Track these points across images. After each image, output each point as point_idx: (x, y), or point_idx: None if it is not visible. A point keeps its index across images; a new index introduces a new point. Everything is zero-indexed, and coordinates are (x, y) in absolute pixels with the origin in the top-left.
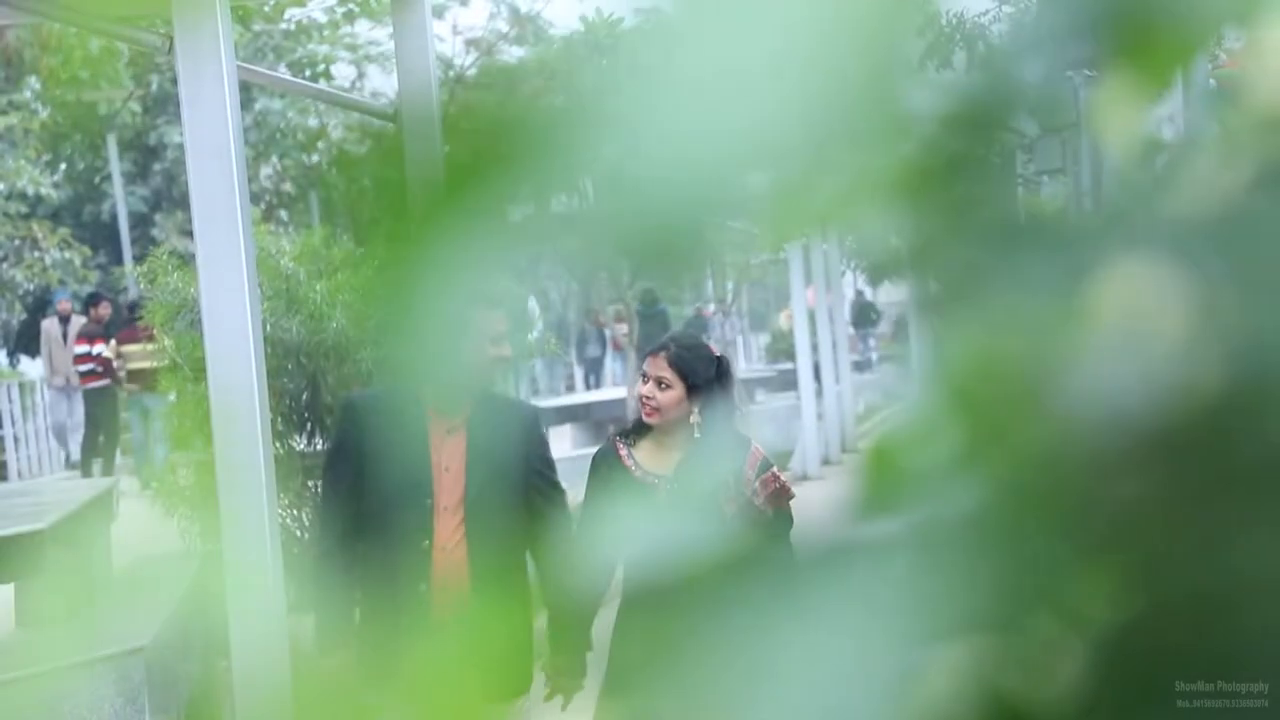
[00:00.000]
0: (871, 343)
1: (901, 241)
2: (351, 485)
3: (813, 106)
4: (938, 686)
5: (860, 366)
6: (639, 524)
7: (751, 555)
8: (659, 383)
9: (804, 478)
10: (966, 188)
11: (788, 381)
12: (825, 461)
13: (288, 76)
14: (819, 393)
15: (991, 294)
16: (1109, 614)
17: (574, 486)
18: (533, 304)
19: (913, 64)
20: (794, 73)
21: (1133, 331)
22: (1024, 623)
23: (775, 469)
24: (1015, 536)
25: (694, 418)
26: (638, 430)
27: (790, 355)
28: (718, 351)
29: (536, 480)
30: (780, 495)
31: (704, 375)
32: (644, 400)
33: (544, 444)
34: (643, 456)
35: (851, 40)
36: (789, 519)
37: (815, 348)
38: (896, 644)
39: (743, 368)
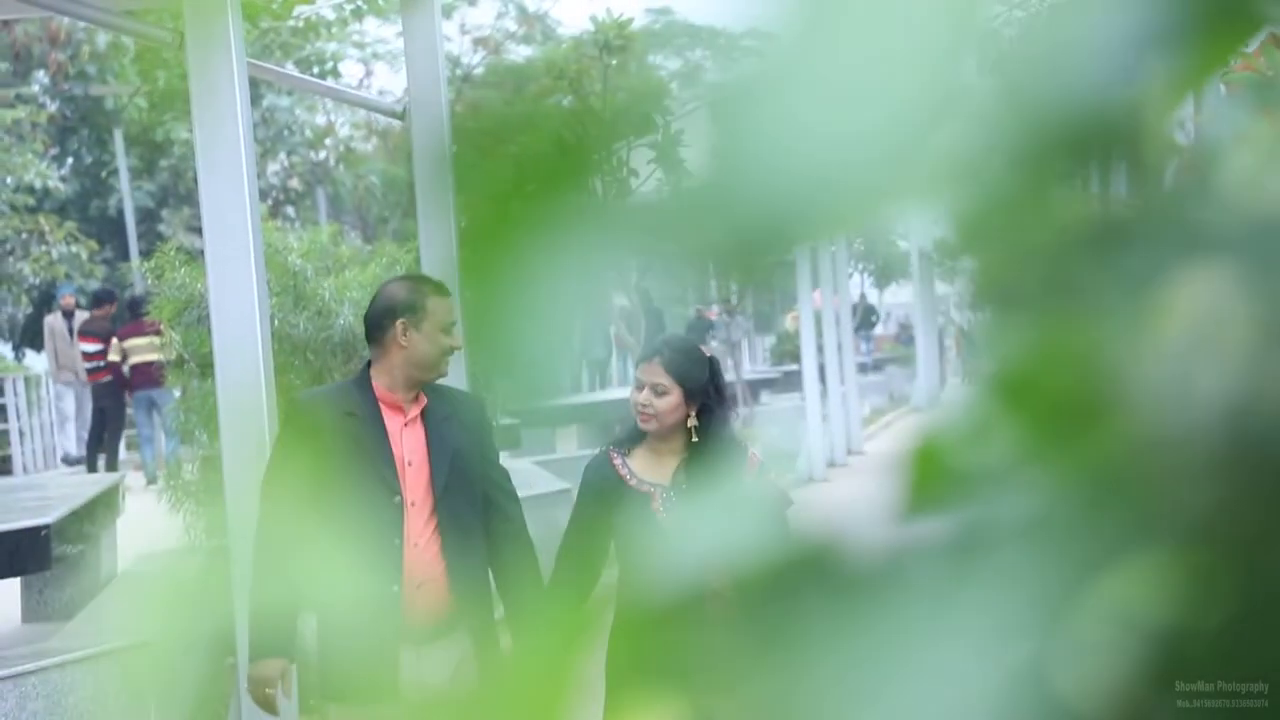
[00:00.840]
0: (871, 345)
1: (967, 240)
2: (303, 489)
3: (917, 106)
4: (1004, 690)
5: (863, 369)
6: (639, 533)
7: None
8: (654, 389)
9: (809, 480)
10: (1044, 189)
11: (792, 383)
12: (830, 464)
13: (296, 73)
14: (824, 395)
15: (1059, 295)
16: (1174, 617)
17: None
18: None
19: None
20: (901, 74)
21: (1201, 335)
22: (1086, 626)
23: (773, 475)
24: (1080, 539)
25: (691, 421)
26: (632, 439)
27: (795, 357)
28: (708, 353)
29: (491, 472)
30: (778, 502)
31: (699, 379)
32: (640, 408)
33: (492, 434)
34: (638, 465)
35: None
36: (786, 530)
37: (821, 349)
38: (965, 649)
39: (747, 369)
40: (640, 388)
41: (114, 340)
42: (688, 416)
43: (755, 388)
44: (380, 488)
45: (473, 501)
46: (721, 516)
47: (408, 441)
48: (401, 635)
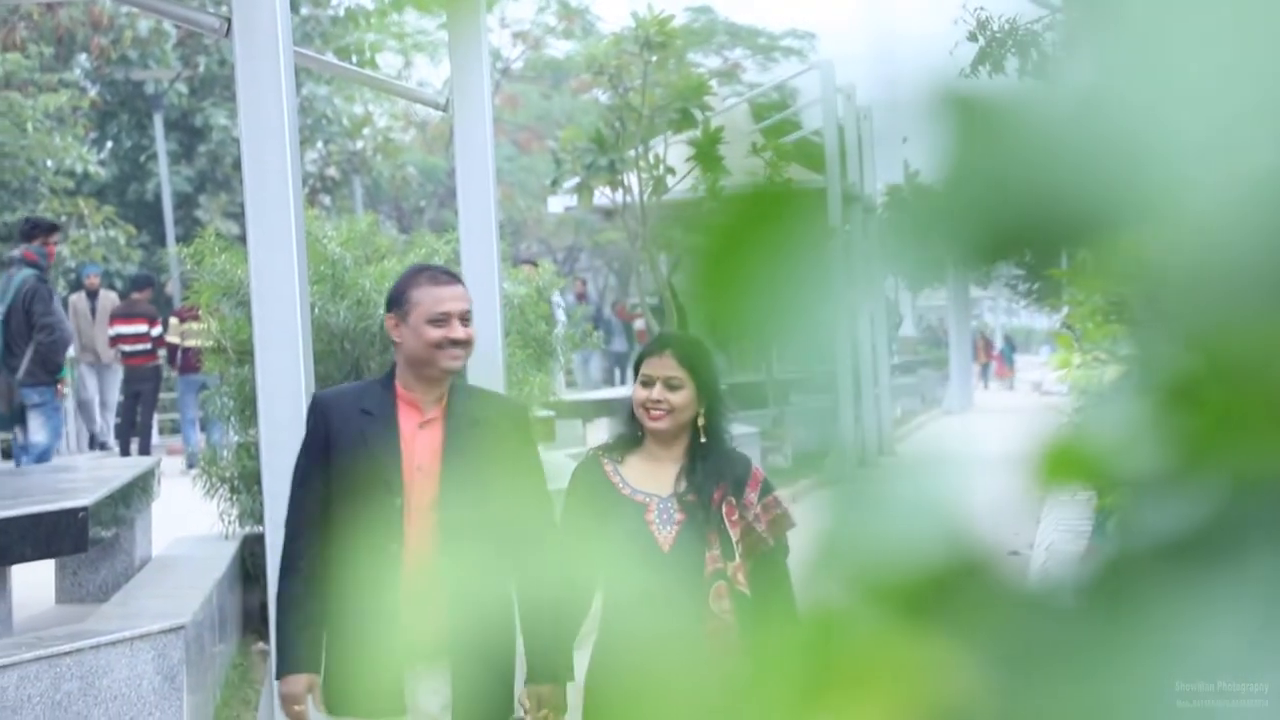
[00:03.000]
0: (896, 347)
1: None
2: (320, 490)
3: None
4: None
5: (895, 370)
6: (630, 548)
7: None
8: (668, 383)
9: (839, 480)
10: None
11: (825, 383)
12: (861, 464)
13: (337, 62)
14: (857, 395)
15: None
16: None
17: None
18: (557, 298)
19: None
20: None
21: None
22: None
23: (778, 493)
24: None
25: (700, 420)
26: (625, 444)
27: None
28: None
29: (524, 485)
30: (782, 523)
31: (712, 373)
32: (651, 406)
33: (533, 446)
34: (630, 474)
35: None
36: (786, 551)
37: (854, 350)
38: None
39: (776, 367)
40: (649, 384)
41: (173, 322)
42: (698, 414)
43: (786, 387)
44: (382, 490)
45: (489, 513)
46: (720, 535)
47: (421, 444)
48: (401, 649)
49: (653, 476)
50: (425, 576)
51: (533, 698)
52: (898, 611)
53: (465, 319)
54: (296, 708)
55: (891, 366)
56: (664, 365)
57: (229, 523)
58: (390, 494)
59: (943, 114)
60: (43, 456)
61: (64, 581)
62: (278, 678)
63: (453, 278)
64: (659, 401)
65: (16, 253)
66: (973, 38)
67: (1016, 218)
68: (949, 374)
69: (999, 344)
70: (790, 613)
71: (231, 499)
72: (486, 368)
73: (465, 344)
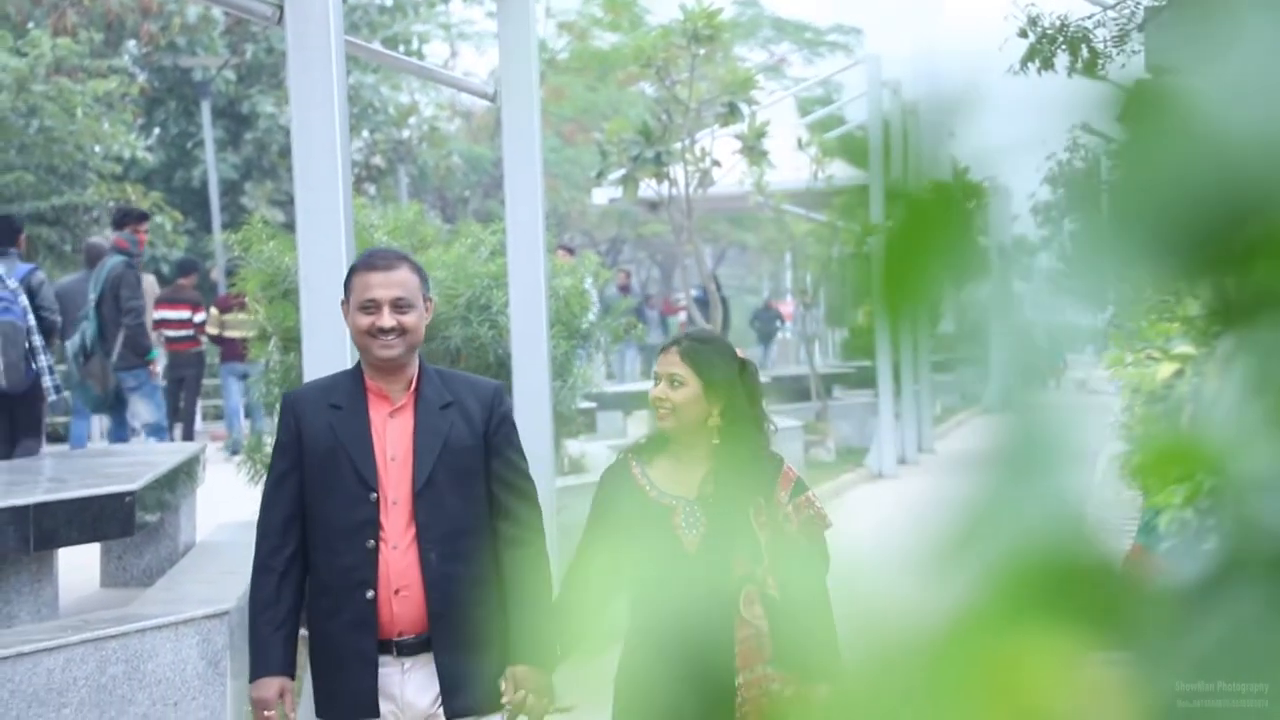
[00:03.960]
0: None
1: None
2: (295, 489)
3: None
4: None
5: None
6: (657, 553)
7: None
8: (671, 381)
9: (879, 476)
10: None
11: (865, 379)
12: (901, 461)
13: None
14: (897, 391)
15: None
16: None
17: None
18: (589, 285)
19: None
20: None
21: None
22: None
23: (811, 493)
24: None
25: (713, 421)
26: (654, 446)
27: (868, 352)
28: (740, 353)
29: (501, 469)
30: (815, 524)
31: (722, 372)
32: (657, 404)
33: (511, 428)
34: (659, 476)
35: None
36: (824, 554)
37: (895, 346)
38: None
39: (819, 363)
40: (657, 381)
41: (213, 312)
42: (708, 415)
43: (828, 382)
44: (356, 484)
45: (470, 500)
46: (751, 540)
47: (393, 433)
48: (378, 647)
49: (679, 479)
50: (405, 570)
51: (510, 679)
52: (1038, 604)
53: (399, 305)
54: (267, 714)
55: (931, 363)
56: (669, 362)
57: None
58: (365, 487)
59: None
60: (157, 433)
61: (109, 565)
62: (250, 681)
63: (389, 263)
64: (662, 400)
65: (105, 241)
66: (1022, 34)
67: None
68: (990, 371)
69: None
70: (823, 617)
71: None
72: (532, 359)
73: (395, 331)
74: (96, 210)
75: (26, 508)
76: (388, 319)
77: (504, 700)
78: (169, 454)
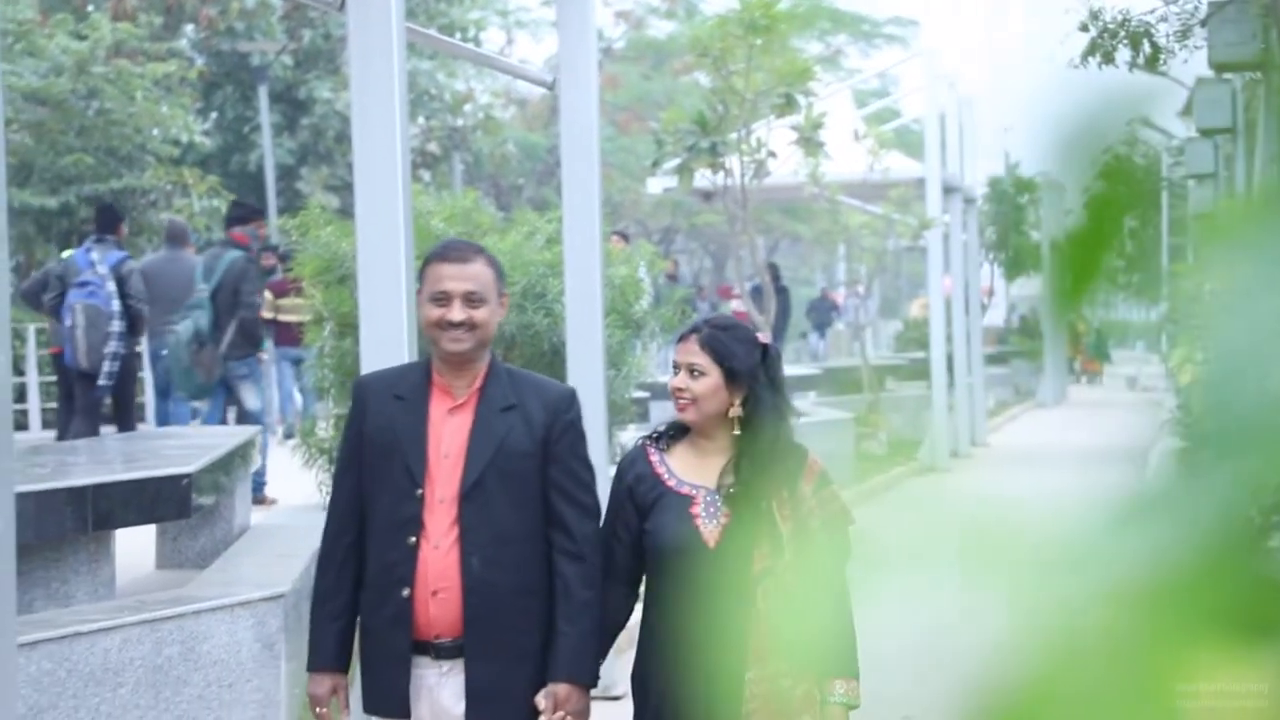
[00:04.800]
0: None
1: None
2: (355, 477)
3: None
4: None
5: (989, 360)
6: (674, 542)
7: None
8: (691, 370)
9: (931, 469)
10: None
11: (917, 371)
12: (954, 454)
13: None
14: (951, 384)
15: None
16: None
17: None
18: (643, 273)
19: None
20: None
21: None
22: None
23: (835, 487)
24: None
25: (734, 411)
26: (671, 434)
27: (921, 344)
28: (762, 339)
29: (559, 478)
30: (839, 519)
31: (744, 361)
32: (676, 393)
33: (576, 436)
34: (677, 464)
35: None
36: (845, 549)
37: (950, 338)
38: None
39: (872, 354)
40: (676, 370)
41: (268, 295)
42: (730, 405)
43: (881, 374)
44: (404, 478)
45: (521, 506)
46: (772, 533)
47: (449, 431)
48: (417, 647)
49: (699, 467)
50: (444, 570)
51: (548, 698)
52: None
53: (471, 299)
54: (319, 710)
55: (985, 356)
56: (688, 351)
57: (326, 493)
58: (411, 483)
59: None
60: (257, 420)
61: (164, 547)
62: (307, 670)
63: (464, 255)
64: (682, 390)
65: (181, 219)
66: (1084, 28)
67: None
68: (1043, 366)
69: (1088, 337)
70: (841, 614)
71: (330, 469)
72: (586, 347)
73: (465, 326)
74: (154, 193)
75: (85, 488)
76: (458, 313)
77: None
78: (225, 437)
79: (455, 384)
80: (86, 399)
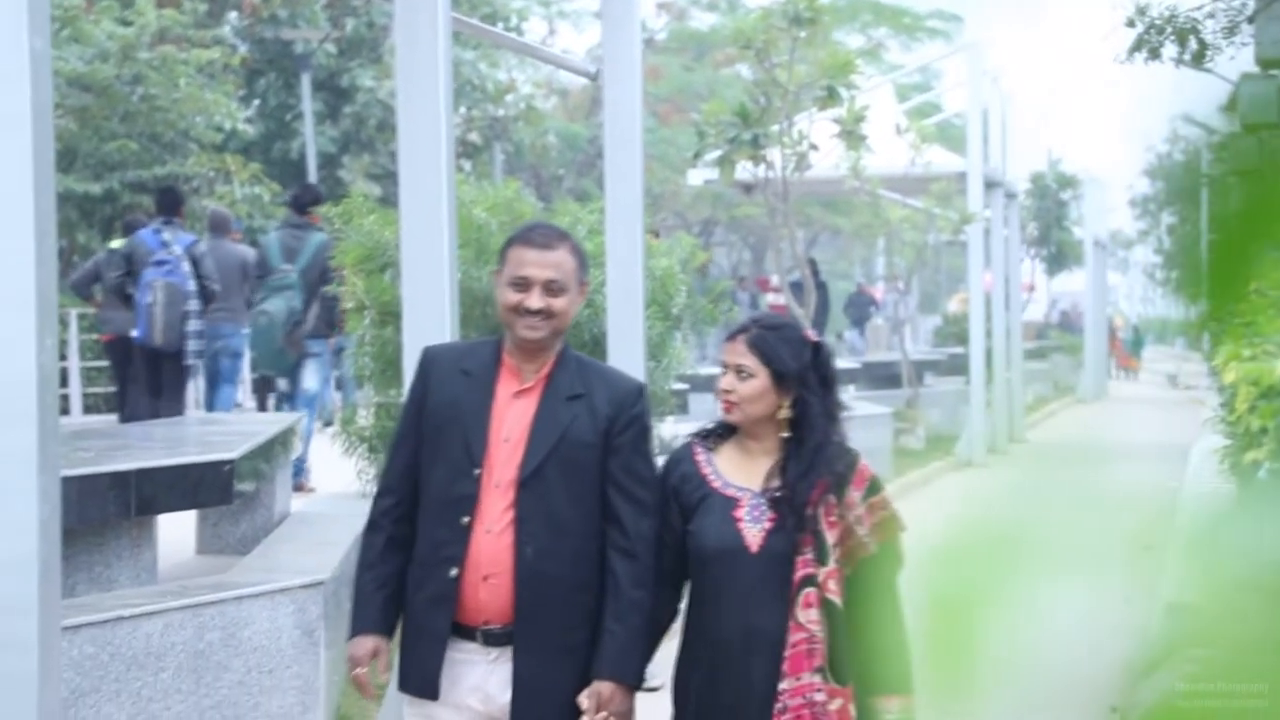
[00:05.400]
0: None
1: None
2: (412, 447)
3: None
4: None
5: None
6: (717, 545)
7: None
8: (738, 371)
9: (968, 464)
10: None
11: (956, 366)
12: (991, 449)
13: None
14: (989, 380)
15: None
16: None
17: None
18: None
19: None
20: None
21: None
22: None
23: (886, 494)
24: None
25: (783, 413)
26: (720, 432)
27: (960, 339)
28: (812, 337)
29: (618, 472)
30: (889, 526)
31: (793, 362)
32: (723, 394)
33: (640, 431)
34: (724, 464)
35: None
36: (897, 559)
37: (989, 334)
38: None
39: (911, 349)
40: (724, 370)
41: None
42: (778, 407)
43: (919, 369)
44: (462, 457)
45: (579, 499)
46: (817, 540)
47: (513, 414)
48: (464, 632)
49: (746, 469)
50: (497, 555)
51: (592, 696)
52: None
53: (551, 287)
54: (357, 670)
55: (1024, 352)
56: (736, 352)
57: (366, 481)
58: (470, 462)
59: None
60: (311, 403)
61: (205, 533)
62: (348, 638)
63: (549, 241)
64: (728, 391)
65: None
66: (1130, 23)
67: None
68: (1083, 361)
69: (1123, 333)
70: (894, 626)
71: (370, 458)
72: (627, 339)
73: (543, 314)
74: (196, 180)
75: (129, 473)
76: (537, 300)
77: (584, 719)
78: (266, 424)
79: (524, 368)
80: (170, 379)
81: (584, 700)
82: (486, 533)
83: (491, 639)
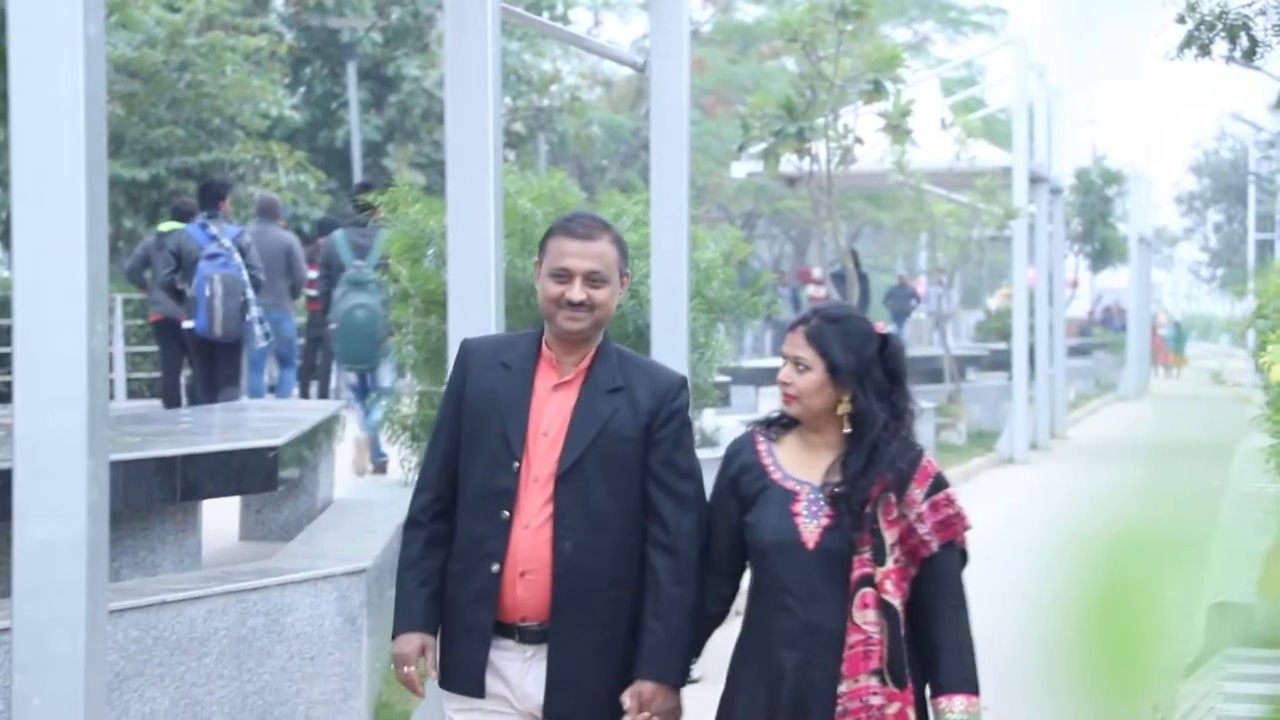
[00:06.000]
0: None
1: None
2: (451, 440)
3: None
4: None
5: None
6: (774, 538)
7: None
8: (796, 364)
9: (1010, 461)
10: None
11: (998, 361)
12: (1033, 446)
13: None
14: (1031, 375)
15: None
16: None
17: None
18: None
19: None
20: None
21: None
22: None
23: (950, 491)
24: None
25: (842, 408)
26: (784, 423)
27: (1002, 334)
28: (880, 329)
29: (659, 467)
30: (952, 525)
31: (853, 356)
32: (781, 386)
33: (681, 425)
34: (785, 456)
35: None
36: (960, 558)
37: (1032, 329)
38: None
39: (953, 344)
40: (785, 361)
41: None
42: (838, 401)
43: (961, 364)
44: (501, 450)
45: (619, 494)
46: (875, 538)
47: (552, 407)
48: (501, 629)
49: (807, 462)
50: (535, 551)
51: (634, 696)
52: None
53: (592, 279)
54: (406, 669)
55: (1066, 348)
56: (794, 343)
57: (409, 469)
58: (509, 456)
59: None
60: (389, 395)
61: (248, 519)
62: (393, 637)
63: (590, 231)
64: (787, 384)
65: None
66: (1180, 20)
67: None
68: (1125, 358)
69: (1165, 329)
70: (958, 627)
71: (413, 446)
72: (671, 331)
73: (585, 306)
74: (242, 167)
75: (174, 459)
76: (578, 292)
77: (626, 719)
78: (311, 411)
79: (564, 360)
80: (225, 366)
81: (626, 700)
82: (525, 528)
83: (527, 636)
